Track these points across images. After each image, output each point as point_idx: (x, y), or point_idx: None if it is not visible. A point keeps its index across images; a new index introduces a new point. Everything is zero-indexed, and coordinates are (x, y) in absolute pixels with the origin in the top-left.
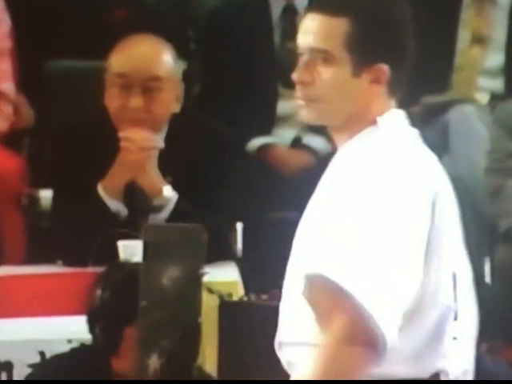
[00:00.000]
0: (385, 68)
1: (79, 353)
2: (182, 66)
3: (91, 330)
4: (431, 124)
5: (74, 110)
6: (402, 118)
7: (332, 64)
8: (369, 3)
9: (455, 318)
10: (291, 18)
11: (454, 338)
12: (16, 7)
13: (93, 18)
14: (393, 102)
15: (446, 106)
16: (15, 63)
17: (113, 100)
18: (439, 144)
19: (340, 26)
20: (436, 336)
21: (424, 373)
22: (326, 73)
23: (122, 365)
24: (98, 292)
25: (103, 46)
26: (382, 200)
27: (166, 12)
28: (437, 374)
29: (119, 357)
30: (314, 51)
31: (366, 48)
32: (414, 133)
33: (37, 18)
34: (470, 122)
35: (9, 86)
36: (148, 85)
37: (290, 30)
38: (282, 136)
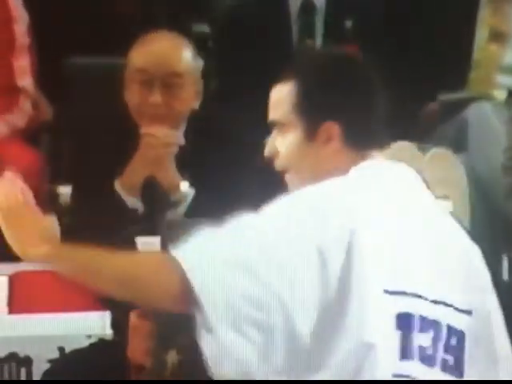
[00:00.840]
0: (334, 126)
1: (98, 348)
2: (200, 62)
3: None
4: (449, 121)
5: (92, 106)
6: (363, 172)
7: (286, 132)
8: (310, 67)
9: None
10: (309, 14)
11: (396, 376)
12: (33, 3)
13: (110, 13)
14: (365, 154)
15: (463, 103)
16: (33, 59)
17: (133, 96)
18: (457, 140)
19: (286, 92)
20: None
21: None
22: (283, 142)
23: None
24: None
25: (121, 43)
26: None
27: (184, 8)
28: None
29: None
30: (272, 124)
31: (311, 109)
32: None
33: (54, 14)
34: (488, 119)
35: (28, 82)
36: (168, 81)
37: (308, 27)
38: None
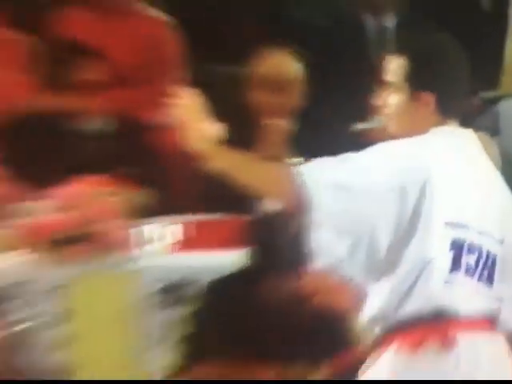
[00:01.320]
0: (432, 95)
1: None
2: (303, 72)
3: None
4: (484, 112)
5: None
6: (442, 132)
7: (395, 92)
8: (420, 46)
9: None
10: (382, 34)
11: (446, 282)
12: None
13: (236, 31)
14: (445, 120)
15: (496, 100)
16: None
17: (258, 97)
18: (491, 128)
19: (400, 63)
20: (420, 281)
21: (425, 308)
22: (392, 99)
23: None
24: None
25: (242, 54)
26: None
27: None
28: (440, 311)
29: None
30: (384, 83)
31: (417, 80)
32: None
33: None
34: None
35: None
36: (283, 85)
37: (381, 45)
38: (375, 122)
